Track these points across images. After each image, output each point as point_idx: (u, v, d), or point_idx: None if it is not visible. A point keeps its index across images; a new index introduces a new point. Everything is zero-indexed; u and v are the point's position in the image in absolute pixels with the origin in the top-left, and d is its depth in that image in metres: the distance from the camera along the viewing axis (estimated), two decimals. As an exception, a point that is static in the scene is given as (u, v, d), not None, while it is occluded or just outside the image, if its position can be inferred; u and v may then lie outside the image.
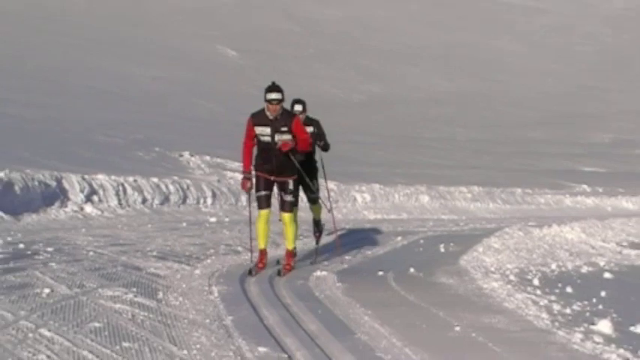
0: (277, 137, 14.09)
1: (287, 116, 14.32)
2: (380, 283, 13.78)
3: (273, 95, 13.83)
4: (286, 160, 14.38)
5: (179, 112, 49.68)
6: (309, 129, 15.79)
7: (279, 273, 13.98)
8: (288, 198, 14.51)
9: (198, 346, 8.70)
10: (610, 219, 30.08)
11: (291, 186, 14.48)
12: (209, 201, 23.28)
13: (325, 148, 16.40)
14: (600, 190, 47.94)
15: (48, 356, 7.81)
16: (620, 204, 44.50)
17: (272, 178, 14.51)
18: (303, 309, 10.87)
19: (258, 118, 14.15)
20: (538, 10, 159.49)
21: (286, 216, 14.56)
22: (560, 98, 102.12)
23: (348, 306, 11.30)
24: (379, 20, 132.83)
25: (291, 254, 15.04)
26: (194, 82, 69.30)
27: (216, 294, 11.41)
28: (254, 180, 14.79)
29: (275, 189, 15.02)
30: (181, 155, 30.69)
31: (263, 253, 14.45)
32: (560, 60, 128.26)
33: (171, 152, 30.77)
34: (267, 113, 14.01)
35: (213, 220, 19.27)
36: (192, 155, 30.87)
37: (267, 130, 14.03)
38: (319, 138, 16.22)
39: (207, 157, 31.02)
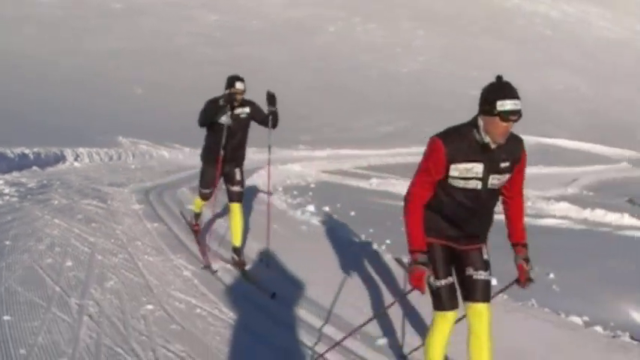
0: (492, 180, 3.12)
1: (513, 143, 3.14)
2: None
3: (509, 105, 2.86)
4: (490, 218, 3.36)
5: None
6: (246, 109, 6.40)
7: None
8: (482, 276, 3.32)
9: (126, 224, 8.65)
10: (316, 161, 28.88)
11: (485, 255, 3.38)
12: (130, 159, 22.38)
13: (275, 123, 6.42)
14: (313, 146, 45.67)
15: (58, 232, 7.72)
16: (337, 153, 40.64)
17: (459, 248, 3.33)
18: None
19: (463, 148, 3.00)
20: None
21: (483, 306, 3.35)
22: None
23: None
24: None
25: None
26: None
27: (134, 200, 10.96)
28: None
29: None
30: (119, 139, 28.50)
31: None
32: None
33: (115, 137, 28.66)
34: (486, 139, 3.00)
35: (132, 167, 18.60)
36: (124, 138, 28.69)
37: (479, 168, 3.03)
38: (261, 116, 6.44)
39: (134, 139, 28.97)
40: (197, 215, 7.39)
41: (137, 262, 6.70)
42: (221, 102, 6.14)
